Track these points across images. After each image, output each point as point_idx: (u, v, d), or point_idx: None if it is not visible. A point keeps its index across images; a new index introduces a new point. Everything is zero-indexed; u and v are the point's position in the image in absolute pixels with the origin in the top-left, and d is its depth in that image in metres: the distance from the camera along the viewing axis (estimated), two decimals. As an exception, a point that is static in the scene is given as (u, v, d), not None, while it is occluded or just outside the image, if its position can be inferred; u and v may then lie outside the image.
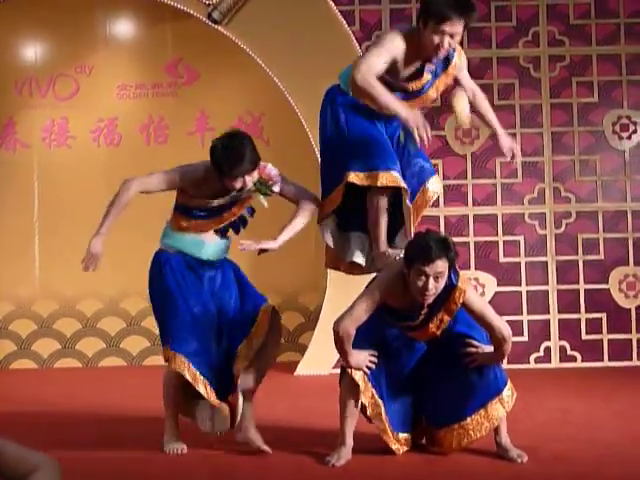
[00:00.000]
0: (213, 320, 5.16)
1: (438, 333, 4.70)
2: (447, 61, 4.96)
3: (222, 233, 5.33)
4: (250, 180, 5.19)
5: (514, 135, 8.42)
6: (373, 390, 4.80)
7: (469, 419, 4.76)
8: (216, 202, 5.22)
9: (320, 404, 6.46)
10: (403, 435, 4.91)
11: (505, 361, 4.90)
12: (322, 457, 4.76)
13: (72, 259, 9.14)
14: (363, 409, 4.84)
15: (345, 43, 8.31)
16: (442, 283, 4.49)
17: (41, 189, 9.48)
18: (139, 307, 9.18)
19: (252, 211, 5.49)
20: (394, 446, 4.84)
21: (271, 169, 5.43)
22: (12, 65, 9.57)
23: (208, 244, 5.26)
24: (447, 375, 4.83)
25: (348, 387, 4.82)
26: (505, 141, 5.18)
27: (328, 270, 8.04)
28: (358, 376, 4.74)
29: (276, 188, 5.43)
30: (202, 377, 5.01)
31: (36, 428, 5.69)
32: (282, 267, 9.04)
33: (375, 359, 4.76)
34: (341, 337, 4.72)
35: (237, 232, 5.39)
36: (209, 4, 8.30)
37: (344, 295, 7.99)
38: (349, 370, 4.76)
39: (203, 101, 9.50)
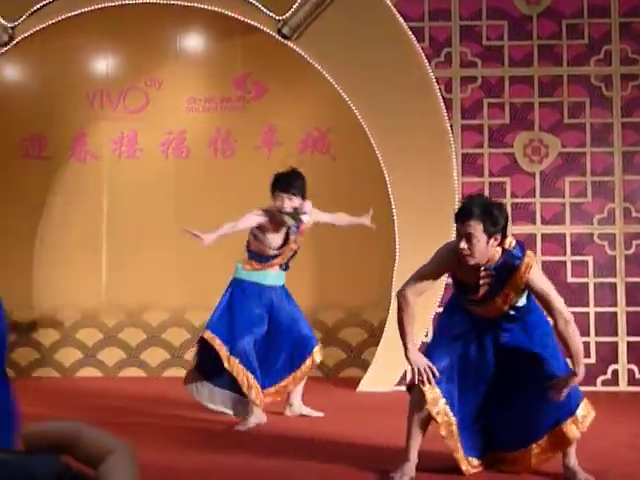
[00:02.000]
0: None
1: (505, 308, 4.66)
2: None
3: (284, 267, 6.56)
4: (289, 205, 6.23)
5: (584, 154, 8.35)
6: (446, 407, 4.73)
7: (542, 440, 4.70)
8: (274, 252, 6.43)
9: (383, 421, 6.44)
10: (472, 459, 4.85)
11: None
12: (383, 473, 4.73)
13: (138, 270, 9.33)
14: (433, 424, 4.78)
15: (414, 60, 8.26)
16: (477, 246, 4.47)
17: (110, 200, 9.58)
18: (203, 319, 9.22)
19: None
20: (463, 467, 4.77)
21: (307, 205, 6.39)
22: (84, 77, 9.70)
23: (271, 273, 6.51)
24: (519, 396, 4.77)
25: (417, 402, 4.78)
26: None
27: (392, 286, 8.05)
28: (429, 391, 4.68)
29: (304, 218, 6.31)
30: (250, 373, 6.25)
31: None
32: (346, 283, 9.04)
33: (437, 373, 4.73)
34: (399, 302, 4.80)
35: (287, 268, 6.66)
36: (279, 19, 8.32)
37: (408, 312, 8.01)
38: (420, 385, 4.71)
39: (271, 116, 9.53)
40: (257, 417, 6.33)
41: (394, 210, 8.09)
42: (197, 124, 9.68)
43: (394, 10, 8.26)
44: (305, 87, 9.29)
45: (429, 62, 8.28)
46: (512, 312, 4.72)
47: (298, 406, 6.75)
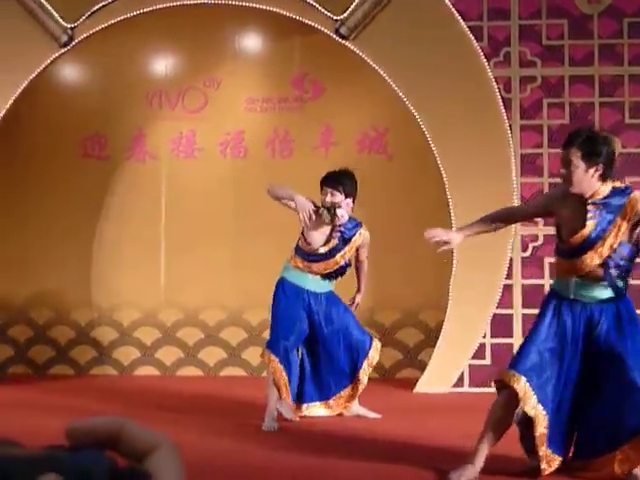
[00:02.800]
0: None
1: (607, 254, 4.60)
2: None
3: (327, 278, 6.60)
4: (331, 199, 6.33)
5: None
6: (538, 404, 4.61)
7: (626, 446, 4.58)
8: (322, 249, 6.42)
9: (440, 422, 6.41)
10: (554, 456, 4.71)
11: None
12: (441, 473, 4.70)
13: (196, 269, 9.38)
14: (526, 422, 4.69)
15: (473, 59, 8.20)
16: (576, 173, 4.52)
17: (168, 200, 9.65)
18: (260, 318, 9.25)
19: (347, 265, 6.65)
20: (543, 465, 4.64)
21: (346, 203, 6.44)
22: (143, 78, 9.78)
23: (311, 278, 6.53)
24: (604, 398, 4.66)
25: (504, 403, 4.72)
26: None
27: (450, 287, 8.02)
28: (520, 388, 4.59)
29: (339, 212, 6.32)
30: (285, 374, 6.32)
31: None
32: (403, 284, 9.02)
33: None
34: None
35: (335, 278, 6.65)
36: (337, 19, 8.30)
37: (465, 312, 7.98)
38: (512, 383, 4.64)
39: (328, 115, 9.53)
40: (274, 415, 6.39)
41: (451, 211, 8.03)
42: (255, 124, 9.72)
43: (453, 9, 8.21)
44: (362, 87, 9.28)
45: (488, 62, 8.21)
46: (613, 270, 4.62)
47: (355, 407, 6.74)
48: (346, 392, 6.65)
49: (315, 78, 9.58)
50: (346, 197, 6.39)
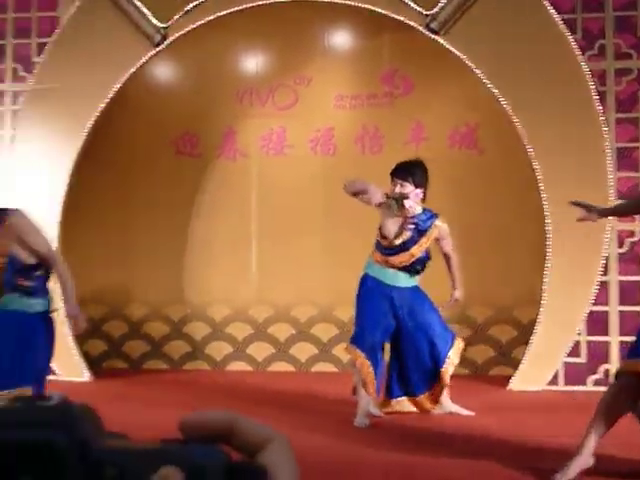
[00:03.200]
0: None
1: None
2: None
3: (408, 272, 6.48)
4: (399, 190, 6.26)
5: None
6: None
7: None
8: (397, 241, 6.34)
9: (534, 419, 6.34)
10: None
11: None
12: (537, 471, 4.64)
13: (287, 266, 9.43)
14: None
15: (566, 52, 8.06)
16: None
17: (259, 197, 9.71)
18: (351, 315, 9.26)
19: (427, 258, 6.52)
20: None
21: (418, 194, 6.35)
22: (234, 75, 9.86)
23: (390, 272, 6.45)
24: None
25: (621, 389, 4.53)
26: None
27: (544, 283, 7.91)
28: None
29: (406, 203, 6.22)
30: (372, 370, 6.30)
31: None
32: (496, 280, 8.93)
33: None
34: None
35: (417, 272, 6.52)
36: (427, 14, 8.25)
37: (560, 309, 7.86)
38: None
39: (418, 111, 9.48)
40: (366, 411, 6.35)
41: (545, 206, 7.91)
42: (345, 121, 9.72)
43: (545, 2, 8.09)
44: (453, 82, 9.21)
45: (582, 54, 8.06)
46: None
47: (447, 404, 6.69)
48: (431, 392, 6.60)
49: (405, 74, 9.54)
50: (416, 187, 6.31)
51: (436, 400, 6.61)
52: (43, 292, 5.09)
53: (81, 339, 8.85)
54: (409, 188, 6.27)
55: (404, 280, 6.49)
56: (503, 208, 9.03)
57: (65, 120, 8.71)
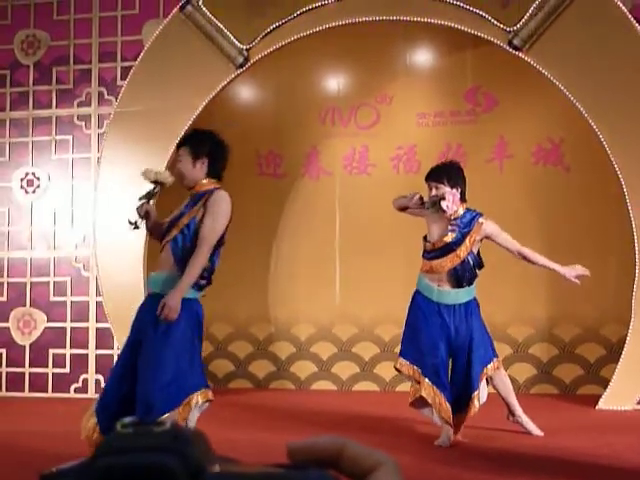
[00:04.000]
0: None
1: None
2: None
3: (456, 284, 6.21)
4: (436, 192, 6.11)
5: None
6: None
7: None
8: (440, 243, 6.17)
9: (625, 440, 6.22)
10: None
11: None
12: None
13: (370, 284, 9.43)
14: None
15: (652, 66, 7.95)
16: None
17: (342, 216, 9.74)
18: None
19: (476, 265, 6.26)
20: None
21: (455, 194, 6.12)
22: (317, 96, 9.92)
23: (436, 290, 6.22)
24: None
25: None
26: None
27: (633, 300, 7.77)
28: None
29: (443, 204, 6.02)
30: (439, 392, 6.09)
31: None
32: (583, 297, 8.80)
33: None
34: None
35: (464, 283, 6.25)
36: (510, 31, 8.20)
37: (650, 327, 7.71)
38: None
39: (502, 128, 9.42)
40: (448, 434, 6.17)
41: (633, 222, 7.78)
42: (427, 138, 9.70)
43: (630, 16, 7.98)
44: (536, 98, 9.14)
45: (667, 68, 7.94)
46: None
47: (521, 416, 6.55)
48: (462, 415, 6.20)
49: (488, 91, 9.49)
50: (452, 188, 6.12)
51: (460, 428, 6.25)
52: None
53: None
54: (444, 189, 6.11)
55: (451, 297, 6.21)
56: (591, 225, 8.91)
57: (149, 143, 8.84)
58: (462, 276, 6.17)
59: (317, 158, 9.85)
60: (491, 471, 5.30)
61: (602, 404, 7.85)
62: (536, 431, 6.41)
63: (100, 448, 0.58)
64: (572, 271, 6.16)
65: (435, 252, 6.19)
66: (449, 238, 6.15)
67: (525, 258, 6.28)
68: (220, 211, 4.84)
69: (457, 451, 5.99)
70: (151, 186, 5.00)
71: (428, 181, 6.27)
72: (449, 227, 6.18)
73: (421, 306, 6.27)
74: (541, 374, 9.20)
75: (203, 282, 4.89)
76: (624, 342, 7.88)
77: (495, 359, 6.37)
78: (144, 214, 4.90)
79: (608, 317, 8.82)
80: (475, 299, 6.30)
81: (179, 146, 5.10)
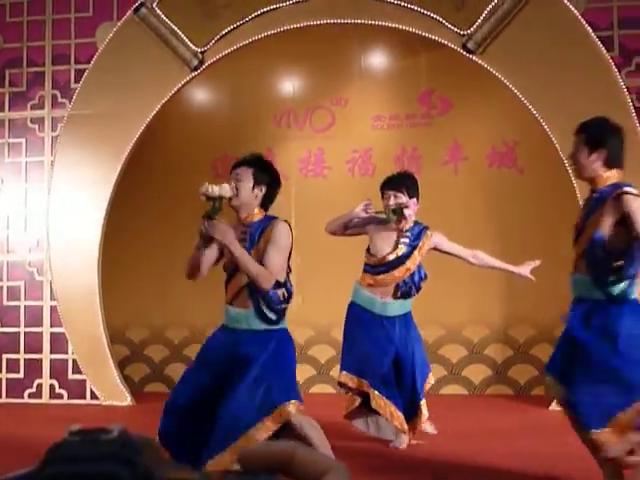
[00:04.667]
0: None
1: None
2: None
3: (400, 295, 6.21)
4: (394, 202, 6.08)
5: None
6: None
7: None
8: (391, 256, 6.16)
9: (577, 440, 6.26)
10: None
11: None
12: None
13: (327, 287, 9.43)
14: None
15: (604, 70, 8.02)
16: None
17: (298, 218, 9.71)
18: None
19: (422, 278, 6.26)
20: None
21: (412, 202, 6.14)
22: (271, 98, 9.92)
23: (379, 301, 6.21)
24: None
25: None
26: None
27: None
28: None
29: (406, 212, 6.04)
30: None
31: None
32: (537, 299, 8.87)
33: None
34: None
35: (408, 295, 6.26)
36: (464, 34, 8.26)
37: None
38: None
39: (457, 131, 9.48)
40: (403, 439, 6.20)
41: (585, 224, 7.85)
42: (383, 141, 9.73)
43: (581, 20, 8.07)
44: (491, 101, 9.20)
45: (619, 72, 8.02)
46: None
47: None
48: (414, 420, 6.22)
49: (442, 94, 9.54)
50: (410, 198, 6.13)
51: (414, 432, 6.24)
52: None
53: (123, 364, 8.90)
54: (404, 199, 6.11)
55: (394, 309, 6.22)
56: (545, 227, 8.98)
57: (104, 145, 8.79)
58: (410, 288, 6.20)
59: (272, 161, 9.73)
60: (452, 472, 5.33)
61: (555, 405, 7.89)
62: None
63: (48, 456, 0.58)
64: (525, 268, 6.24)
65: (383, 266, 6.18)
66: (400, 251, 6.16)
67: (479, 262, 6.29)
68: (284, 243, 4.72)
69: (410, 454, 6.01)
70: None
71: (385, 190, 6.25)
72: (401, 240, 6.18)
73: (361, 318, 6.26)
74: (496, 375, 9.26)
75: (286, 306, 4.77)
76: (577, 343, 7.94)
77: (430, 374, 6.48)
78: (209, 236, 4.69)
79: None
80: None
81: (238, 165, 4.88)
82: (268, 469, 0.65)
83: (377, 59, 9.88)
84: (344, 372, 6.27)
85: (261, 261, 4.55)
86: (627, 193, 4.43)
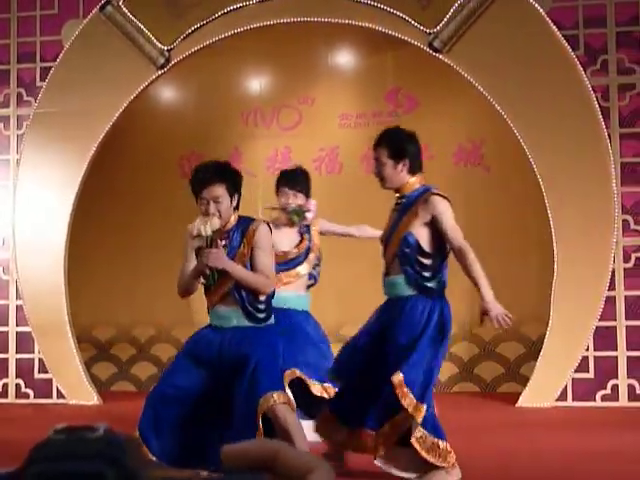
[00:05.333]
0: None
1: None
2: None
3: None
4: (295, 202, 6.08)
5: None
6: None
7: None
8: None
9: (545, 437, 6.31)
10: None
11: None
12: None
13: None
14: None
15: (569, 68, 8.06)
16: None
17: (265, 217, 9.71)
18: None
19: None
20: None
21: (312, 203, 6.17)
22: (238, 97, 9.90)
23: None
24: None
25: None
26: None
27: (552, 299, 7.89)
28: None
29: (309, 215, 6.09)
30: None
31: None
32: (503, 296, 8.86)
33: None
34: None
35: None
36: (430, 33, 8.27)
37: (569, 324, 7.85)
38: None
39: (423, 129, 9.37)
40: None
41: (551, 221, 7.90)
42: (350, 139, 9.74)
43: (547, 19, 8.11)
44: (457, 99, 9.24)
45: (585, 70, 8.07)
46: None
47: None
48: None
49: (409, 92, 9.57)
50: (307, 198, 6.18)
51: None
52: None
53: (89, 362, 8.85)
54: (302, 198, 6.13)
55: (297, 302, 6.17)
56: (511, 224, 9.03)
57: (70, 144, 8.73)
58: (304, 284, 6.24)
59: (240, 159, 9.80)
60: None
61: (522, 402, 7.95)
62: None
63: (32, 455, 0.58)
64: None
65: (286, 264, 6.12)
66: (302, 248, 6.18)
67: (363, 233, 6.64)
68: (269, 245, 4.70)
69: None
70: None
71: (284, 187, 6.20)
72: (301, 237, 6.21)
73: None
74: (462, 372, 9.30)
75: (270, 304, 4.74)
76: (543, 340, 8.01)
77: None
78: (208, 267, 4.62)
79: (528, 315, 8.91)
80: None
81: (209, 182, 4.84)
82: (251, 467, 0.65)
83: (344, 57, 9.89)
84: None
85: (247, 266, 4.55)
86: (435, 195, 4.90)
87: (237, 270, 4.52)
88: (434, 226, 4.84)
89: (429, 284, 4.84)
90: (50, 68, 8.94)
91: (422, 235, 4.82)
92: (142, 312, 9.88)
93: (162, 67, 8.69)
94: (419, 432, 4.60)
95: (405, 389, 4.63)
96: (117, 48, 8.72)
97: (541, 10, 8.12)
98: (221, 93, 9.87)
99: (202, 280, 4.61)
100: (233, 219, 4.76)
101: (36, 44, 9.16)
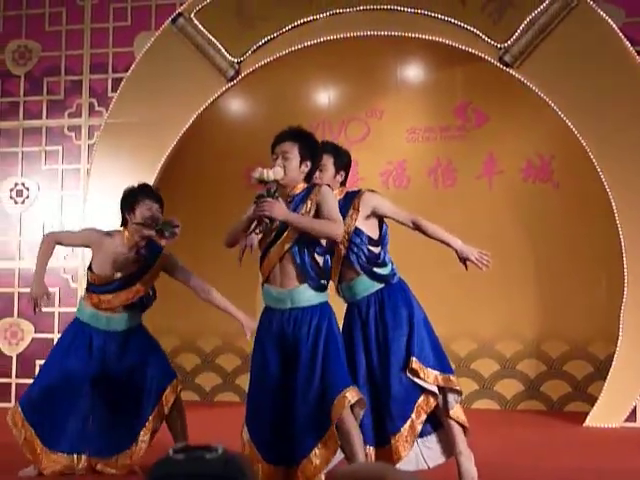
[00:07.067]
0: None
1: None
2: None
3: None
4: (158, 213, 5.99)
5: None
6: None
7: None
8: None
9: (612, 457, 6.22)
10: None
11: None
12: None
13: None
14: None
15: (642, 84, 7.97)
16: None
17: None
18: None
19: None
20: None
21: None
22: (306, 109, 9.92)
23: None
24: None
25: None
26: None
27: (621, 318, 7.77)
28: None
29: (177, 230, 6.11)
30: None
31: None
32: (571, 315, 8.82)
33: None
34: None
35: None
36: (500, 47, 8.22)
37: (637, 344, 7.71)
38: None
39: (492, 144, 9.43)
40: None
41: (622, 239, 7.79)
42: (417, 154, 9.71)
43: (620, 34, 8.01)
44: (526, 114, 9.16)
45: (656, 86, 7.96)
46: None
47: None
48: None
49: (478, 107, 9.51)
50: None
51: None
52: None
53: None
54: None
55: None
56: (580, 242, 8.92)
57: (139, 154, 8.83)
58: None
59: (308, 172, 9.82)
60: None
61: (589, 421, 7.83)
62: None
63: (152, 473, 0.58)
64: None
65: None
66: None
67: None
68: (334, 202, 4.77)
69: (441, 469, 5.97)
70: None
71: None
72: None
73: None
74: (528, 390, 9.19)
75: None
76: (612, 359, 7.87)
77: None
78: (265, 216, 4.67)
79: (596, 334, 8.80)
80: None
81: (282, 139, 5.14)
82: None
83: (413, 71, 9.86)
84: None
85: None
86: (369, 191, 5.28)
87: (301, 219, 4.57)
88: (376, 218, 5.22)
89: (384, 273, 5.08)
90: (122, 79, 9.05)
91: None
92: (207, 322, 9.93)
93: (232, 79, 8.75)
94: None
95: (427, 369, 4.79)
96: (188, 60, 8.80)
97: (614, 25, 8.02)
98: (289, 105, 9.90)
99: (256, 229, 4.66)
100: (301, 186, 4.76)
101: (108, 55, 9.29)
